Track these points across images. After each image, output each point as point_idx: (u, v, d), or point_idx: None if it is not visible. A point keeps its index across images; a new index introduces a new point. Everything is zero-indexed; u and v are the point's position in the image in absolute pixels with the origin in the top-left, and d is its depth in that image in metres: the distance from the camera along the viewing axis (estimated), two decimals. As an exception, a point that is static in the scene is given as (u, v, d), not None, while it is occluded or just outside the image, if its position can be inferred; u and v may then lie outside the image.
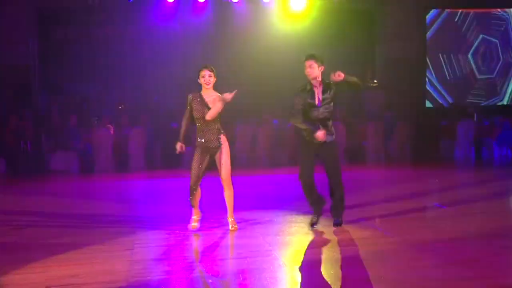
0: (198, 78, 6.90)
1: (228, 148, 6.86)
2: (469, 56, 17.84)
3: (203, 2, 15.81)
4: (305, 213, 7.65)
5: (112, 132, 14.24)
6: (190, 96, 6.91)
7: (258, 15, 16.69)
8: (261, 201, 9.00)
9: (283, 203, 8.72)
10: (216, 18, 16.59)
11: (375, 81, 17.40)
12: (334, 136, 6.97)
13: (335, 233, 6.71)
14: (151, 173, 13.68)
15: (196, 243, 6.56)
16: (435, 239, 6.46)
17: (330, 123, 6.95)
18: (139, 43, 16.73)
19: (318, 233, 6.74)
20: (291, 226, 7.14)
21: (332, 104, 6.88)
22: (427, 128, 15.48)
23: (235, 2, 15.58)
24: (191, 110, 6.88)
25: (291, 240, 6.56)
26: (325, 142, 6.87)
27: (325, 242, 6.35)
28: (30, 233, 7.20)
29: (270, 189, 10.43)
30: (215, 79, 6.88)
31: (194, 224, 7.01)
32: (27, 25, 15.98)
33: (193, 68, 18.08)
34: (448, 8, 17.77)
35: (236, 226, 6.90)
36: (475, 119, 15.86)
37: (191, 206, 6.99)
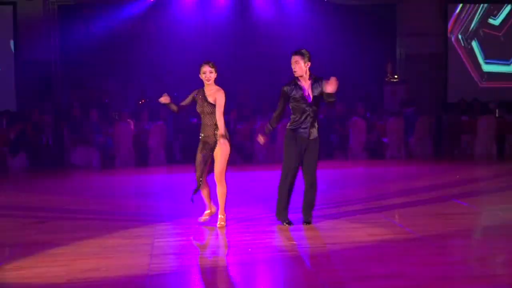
0: (199, 73, 6.95)
1: (227, 145, 6.85)
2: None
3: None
4: (327, 207, 7.65)
5: (132, 127, 14.32)
6: (196, 91, 7.00)
7: (280, 9, 16.68)
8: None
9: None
10: (238, 12, 16.60)
11: (396, 76, 17.30)
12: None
13: (353, 229, 6.71)
14: (171, 167, 13.74)
15: (216, 238, 6.60)
16: (455, 235, 6.43)
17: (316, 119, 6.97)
18: (160, 38, 16.80)
19: (336, 229, 6.75)
20: (312, 222, 7.14)
21: (320, 99, 6.88)
22: (448, 124, 15.37)
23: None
24: (194, 102, 6.96)
25: (310, 235, 6.57)
26: (311, 138, 6.88)
27: (344, 238, 6.35)
28: (51, 227, 7.29)
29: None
30: (215, 74, 6.94)
31: (204, 217, 7.09)
32: (48, 20, 16.13)
33: (213, 57, 18.11)
34: (470, 3, 17.59)
35: (223, 223, 6.91)
36: (496, 115, 15.69)
37: (199, 196, 7.02)
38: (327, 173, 12.17)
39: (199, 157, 6.90)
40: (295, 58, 6.84)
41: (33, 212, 8.21)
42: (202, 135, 6.93)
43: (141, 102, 16.38)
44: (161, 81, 16.71)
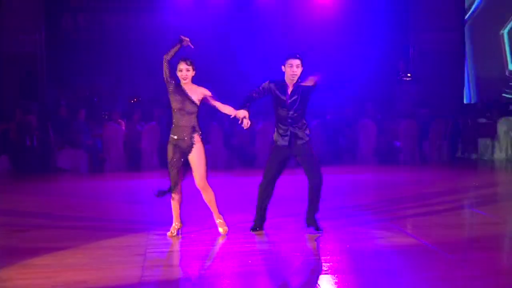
0: (176, 71, 6.92)
1: (202, 149, 6.82)
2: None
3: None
4: (335, 217, 7.62)
5: (123, 127, 14.30)
6: (173, 82, 6.87)
7: (282, 6, 16.69)
8: (281, 203, 8.98)
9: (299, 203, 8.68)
10: (239, 5, 16.61)
11: (408, 74, 17.28)
12: (308, 138, 6.96)
13: (363, 240, 6.67)
14: (165, 172, 13.68)
15: (212, 248, 6.56)
16: (472, 247, 6.39)
17: (304, 124, 6.97)
18: (154, 32, 16.78)
19: (343, 240, 6.71)
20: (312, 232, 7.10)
21: (304, 105, 6.93)
22: (465, 127, 15.35)
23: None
24: (169, 89, 6.90)
25: (315, 246, 6.53)
26: (297, 145, 6.93)
27: (351, 249, 6.31)
28: (35, 235, 7.25)
29: (288, 192, 10.38)
30: (193, 73, 6.91)
31: (172, 232, 6.93)
32: (33, 12, 16.11)
33: (212, 61, 18.17)
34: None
35: (226, 227, 6.90)
36: (517, 117, 15.69)
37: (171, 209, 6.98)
38: (335, 179, 12.14)
39: (171, 160, 6.80)
40: (297, 62, 6.93)
41: (15, 219, 8.18)
42: (175, 137, 6.79)
43: (133, 101, 16.36)
44: (155, 78, 16.67)
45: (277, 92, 6.91)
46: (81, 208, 9.05)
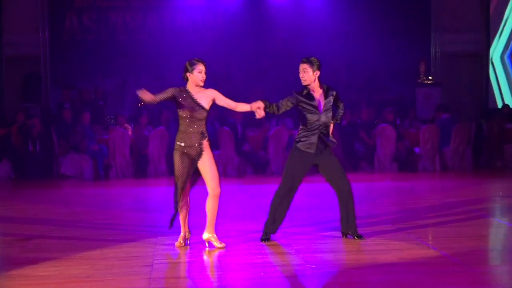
0: (190, 72, 6.88)
1: (212, 154, 6.84)
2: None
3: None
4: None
5: (130, 132, 14.34)
6: (176, 89, 6.88)
7: (299, 3, 16.70)
8: (296, 211, 8.98)
9: (315, 212, 8.68)
10: (248, 3, 16.64)
11: (430, 77, 17.23)
12: (334, 144, 7.12)
13: (381, 252, 6.65)
14: (172, 179, 13.71)
15: (222, 259, 6.56)
16: (497, 260, 6.36)
17: (330, 129, 7.14)
18: (162, 32, 16.85)
19: (360, 252, 6.70)
20: (328, 242, 7.09)
21: (331, 110, 7.09)
22: (490, 132, 15.27)
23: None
24: (175, 102, 6.87)
25: (331, 258, 6.52)
26: (323, 152, 7.03)
27: (369, 262, 6.30)
28: (37, 245, 7.29)
29: (305, 199, 10.38)
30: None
31: (179, 243, 6.94)
32: (36, 12, 16.21)
33: (221, 61, 18.22)
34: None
35: (223, 244, 6.85)
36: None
37: (178, 221, 6.95)
38: (352, 187, 12.11)
39: (180, 169, 6.78)
40: (303, 66, 7.06)
41: (16, 228, 8.22)
42: (182, 144, 6.79)
43: (140, 104, 16.39)
44: (163, 80, 16.73)
45: (304, 100, 6.97)
46: (85, 216, 9.07)
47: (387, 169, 14.46)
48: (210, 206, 6.88)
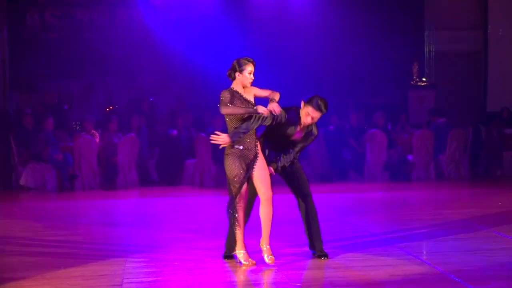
0: (238, 71, 6.88)
1: (263, 156, 6.92)
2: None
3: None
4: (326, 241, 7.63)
5: (97, 139, 14.29)
6: (228, 92, 6.82)
7: (278, 6, 16.78)
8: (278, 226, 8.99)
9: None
10: (228, 4, 16.68)
11: (423, 79, 17.35)
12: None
13: (373, 267, 6.67)
14: (144, 190, 13.70)
15: (199, 278, 6.55)
16: (497, 276, 6.40)
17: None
18: (132, 31, 16.81)
19: (349, 268, 6.71)
20: (312, 258, 7.10)
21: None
22: (488, 138, 15.39)
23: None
24: None
25: (316, 276, 6.53)
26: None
27: (359, 278, 6.31)
28: (-5, 263, 7.24)
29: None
30: None
31: (248, 260, 6.83)
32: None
33: (198, 62, 18.23)
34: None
35: (273, 256, 6.82)
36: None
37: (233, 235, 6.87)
38: (340, 198, 12.16)
39: (241, 174, 6.76)
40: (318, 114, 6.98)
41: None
42: (240, 147, 6.82)
43: (109, 109, 16.36)
44: (134, 82, 16.71)
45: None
46: (48, 231, 9.02)
47: (378, 178, 14.51)
48: (264, 212, 6.83)
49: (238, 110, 6.70)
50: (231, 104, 6.72)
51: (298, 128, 7.06)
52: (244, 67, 6.88)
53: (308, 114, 6.94)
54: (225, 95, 6.73)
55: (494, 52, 17.56)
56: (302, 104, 6.98)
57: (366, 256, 7.15)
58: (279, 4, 16.83)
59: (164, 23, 16.78)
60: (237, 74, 6.88)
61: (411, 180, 14.60)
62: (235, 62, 6.93)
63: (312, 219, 7.09)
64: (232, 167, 6.75)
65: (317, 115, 6.95)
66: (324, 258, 6.99)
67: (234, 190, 6.74)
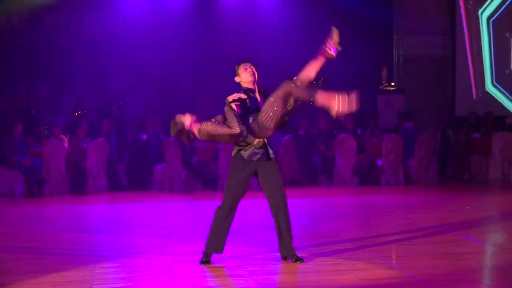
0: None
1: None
2: None
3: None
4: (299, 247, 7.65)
5: (66, 144, 14.19)
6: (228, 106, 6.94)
7: (251, 4, 16.77)
8: (245, 232, 9.00)
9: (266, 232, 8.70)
10: (197, 5, 16.66)
11: (392, 83, 17.46)
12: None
13: (342, 272, 6.70)
14: (113, 195, 13.63)
15: (168, 284, 6.53)
16: (465, 279, 6.46)
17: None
18: (101, 36, 16.73)
19: (319, 272, 6.73)
20: (282, 263, 7.11)
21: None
22: (456, 142, 15.53)
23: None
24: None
25: (287, 280, 6.54)
26: (264, 161, 7.02)
27: (329, 283, 6.33)
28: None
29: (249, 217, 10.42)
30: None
31: None
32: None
33: (167, 66, 18.16)
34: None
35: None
36: (515, 131, 15.94)
37: None
38: (309, 202, 12.18)
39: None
40: (250, 65, 7.11)
41: None
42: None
43: (77, 113, 16.26)
44: (102, 87, 16.62)
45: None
46: (15, 238, 8.94)
47: (347, 182, 14.57)
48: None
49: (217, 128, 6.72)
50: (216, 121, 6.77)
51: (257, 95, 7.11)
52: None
53: (244, 70, 7.00)
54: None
55: (462, 58, 17.74)
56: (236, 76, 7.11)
57: (336, 260, 7.18)
58: (248, 10, 16.84)
59: (133, 28, 16.73)
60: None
61: (381, 184, 14.68)
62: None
63: (285, 224, 7.08)
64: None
65: (246, 64, 7.11)
66: (299, 262, 7.01)
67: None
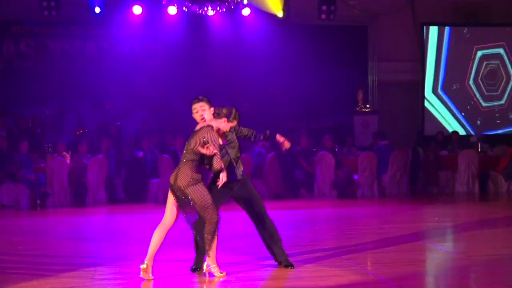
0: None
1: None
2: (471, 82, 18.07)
3: (174, 15, 15.86)
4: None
5: (68, 161, 14.14)
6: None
7: (237, 30, 16.80)
8: (232, 240, 8.98)
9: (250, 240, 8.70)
10: (188, 33, 16.68)
11: (367, 105, 17.53)
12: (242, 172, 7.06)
13: (321, 278, 6.69)
14: (112, 207, 13.57)
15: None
16: (433, 285, 6.47)
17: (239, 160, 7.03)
18: (101, 59, 16.72)
19: (299, 278, 6.73)
20: (266, 270, 7.10)
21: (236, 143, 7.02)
22: (426, 159, 15.58)
23: (210, 16, 15.69)
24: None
25: (269, 285, 6.53)
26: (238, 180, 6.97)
27: (310, 288, 6.33)
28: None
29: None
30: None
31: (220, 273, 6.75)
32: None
33: (161, 89, 18.12)
34: (448, 25, 18.01)
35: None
36: (479, 149, 16.00)
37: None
38: (291, 214, 12.18)
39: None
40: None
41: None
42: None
43: (79, 132, 16.21)
44: (101, 108, 16.59)
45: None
46: (20, 246, 8.88)
47: (327, 195, 14.59)
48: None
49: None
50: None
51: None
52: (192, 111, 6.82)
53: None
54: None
55: (430, 82, 17.90)
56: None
57: (316, 267, 7.17)
58: (237, 38, 16.86)
59: (130, 54, 16.72)
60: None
61: (357, 197, 14.69)
62: None
63: (274, 235, 7.08)
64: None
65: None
66: (290, 268, 7.00)
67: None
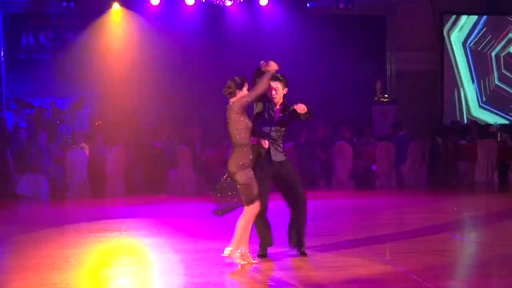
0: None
1: None
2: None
3: (191, 5, 15.87)
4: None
5: (87, 152, 14.21)
6: None
7: (254, 20, 16.77)
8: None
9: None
10: (206, 24, 16.68)
11: (386, 95, 17.46)
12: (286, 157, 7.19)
13: (340, 268, 6.69)
14: (131, 199, 13.62)
15: (184, 279, 6.54)
16: (453, 275, 6.45)
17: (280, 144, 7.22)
18: (118, 51, 16.74)
19: (318, 269, 6.73)
20: (285, 260, 7.11)
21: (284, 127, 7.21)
22: (445, 149, 15.50)
23: (228, 6, 15.67)
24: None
25: (287, 276, 6.54)
26: (281, 162, 7.09)
27: (327, 279, 6.33)
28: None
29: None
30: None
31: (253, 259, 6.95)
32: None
33: (180, 76, 18.13)
34: (468, 14, 17.87)
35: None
36: (498, 139, 15.89)
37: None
38: (309, 204, 12.16)
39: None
40: (275, 84, 7.02)
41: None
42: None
43: (98, 123, 16.29)
44: (120, 98, 16.63)
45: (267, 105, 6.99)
46: (41, 237, 8.94)
47: (345, 186, 14.56)
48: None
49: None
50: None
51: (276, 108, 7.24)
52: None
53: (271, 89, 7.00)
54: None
55: (449, 71, 17.80)
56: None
57: (335, 257, 7.18)
58: (254, 28, 16.84)
59: (148, 44, 16.72)
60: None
61: (375, 187, 14.66)
62: None
63: (300, 219, 7.15)
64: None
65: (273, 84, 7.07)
66: (303, 257, 7.04)
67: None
